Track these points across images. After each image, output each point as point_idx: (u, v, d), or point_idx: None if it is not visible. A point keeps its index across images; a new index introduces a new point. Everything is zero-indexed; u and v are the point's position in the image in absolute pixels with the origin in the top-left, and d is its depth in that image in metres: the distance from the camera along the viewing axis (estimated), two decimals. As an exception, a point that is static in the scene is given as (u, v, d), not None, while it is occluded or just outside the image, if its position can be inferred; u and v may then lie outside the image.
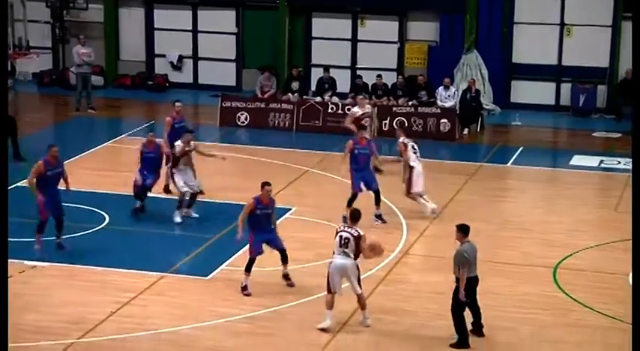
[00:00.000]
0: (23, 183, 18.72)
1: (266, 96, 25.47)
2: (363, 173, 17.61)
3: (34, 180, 15.58)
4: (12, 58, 19.58)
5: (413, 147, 18.15)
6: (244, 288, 14.52)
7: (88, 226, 17.04)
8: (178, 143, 17.36)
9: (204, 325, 13.61)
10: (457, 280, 12.85)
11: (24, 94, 27.28)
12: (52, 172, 15.64)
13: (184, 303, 14.29)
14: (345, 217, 16.59)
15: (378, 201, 17.58)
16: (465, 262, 12.72)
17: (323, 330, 13.39)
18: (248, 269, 14.56)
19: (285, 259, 14.81)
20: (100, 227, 16.95)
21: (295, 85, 25.72)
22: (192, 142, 17.55)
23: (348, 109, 24.26)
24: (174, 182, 17.52)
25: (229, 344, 13.10)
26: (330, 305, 13.43)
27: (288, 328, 13.56)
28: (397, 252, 16.42)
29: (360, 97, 21.48)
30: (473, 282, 12.90)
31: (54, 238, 16.03)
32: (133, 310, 14.02)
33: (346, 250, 13.32)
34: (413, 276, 15.51)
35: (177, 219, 17.27)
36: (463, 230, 12.97)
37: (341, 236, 13.39)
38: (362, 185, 17.55)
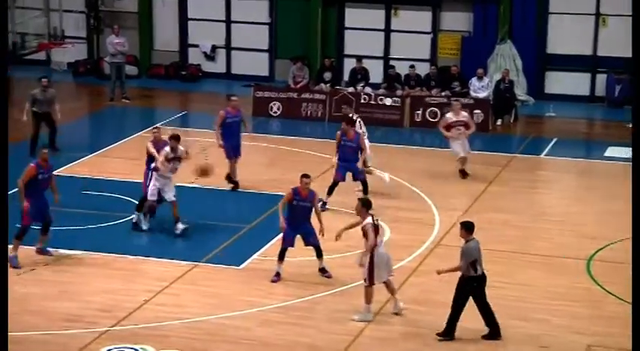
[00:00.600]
0: (59, 172, 18.91)
1: (298, 86, 25.49)
2: (348, 164, 17.71)
3: (25, 184, 14.92)
4: (47, 48, 19.69)
5: (359, 122, 18.55)
6: (276, 275, 14.59)
7: (122, 214, 17.15)
8: (166, 149, 16.30)
9: (236, 314, 13.68)
10: (464, 277, 12.78)
11: (59, 83, 27.44)
12: (42, 175, 15.04)
13: (217, 292, 14.37)
14: (324, 203, 17.03)
15: (365, 191, 17.62)
16: (474, 258, 12.64)
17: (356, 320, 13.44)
18: (280, 257, 14.62)
19: (319, 254, 14.83)
20: (130, 217, 17.05)
21: (328, 75, 25.70)
22: (180, 148, 16.42)
23: (381, 100, 24.30)
24: (147, 185, 16.45)
25: (261, 333, 13.15)
26: (372, 298, 13.44)
27: (320, 318, 13.59)
28: (429, 243, 16.39)
29: (455, 102, 20.61)
30: (482, 280, 12.83)
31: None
32: (165, 298, 14.11)
33: (382, 239, 13.76)
34: (444, 267, 15.43)
35: (144, 226, 16.50)
36: (468, 227, 12.86)
37: (378, 226, 13.48)
38: (345, 175, 17.75)
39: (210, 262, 15.45)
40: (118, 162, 19.72)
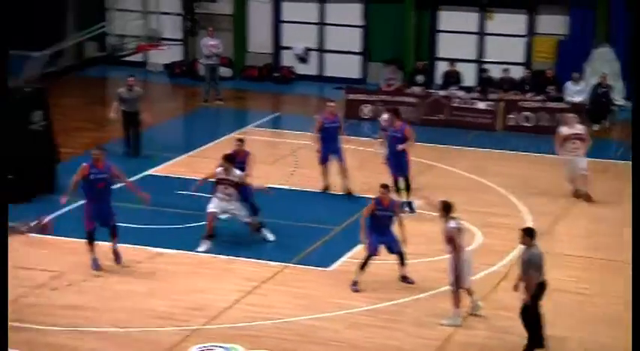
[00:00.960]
0: (154, 171, 19.22)
1: (391, 89, 25.42)
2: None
3: (76, 182, 14.80)
4: (144, 50, 20.03)
5: None
6: (354, 283, 14.52)
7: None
8: (217, 170, 15.91)
9: (325, 316, 13.70)
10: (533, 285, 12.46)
11: (155, 84, 27.98)
12: (95, 176, 14.66)
13: (306, 293, 14.42)
14: (410, 204, 17.48)
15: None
16: (539, 265, 12.35)
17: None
18: (362, 267, 14.55)
19: (402, 262, 14.76)
20: (225, 216, 17.22)
21: (420, 78, 25.59)
22: (236, 172, 15.77)
23: (473, 103, 24.07)
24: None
25: (349, 336, 13.15)
26: (460, 303, 13.42)
27: (408, 321, 13.53)
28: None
29: (570, 115, 19.32)
30: (544, 286, 12.51)
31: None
32: (255, 298, 14.22)
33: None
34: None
35: (201, 248, 15.82)
36: (530, 234, 12.56)
37: (462, 230, 13.52)
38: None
39: (300, 263, 15.51)
40: (211, 162, 19.91)
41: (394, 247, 14.67)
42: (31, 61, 18.30)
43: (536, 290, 12.41)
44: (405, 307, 13.99)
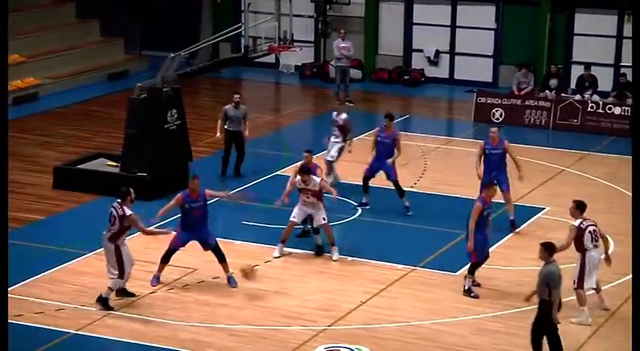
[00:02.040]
0: (284, 172, 19.44)
1: (522, 93, 25.03)
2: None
3: (167, 210, 14.60)
4: (277, 51, 20.26)
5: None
6: (468, 291, 14.32)
7: (341, 216, 17.42)
8: (296, 178, 15.75)
9: (451, 320, 13.61)
10: (542, 302, 11.95)
11: (286, 85, 28.32)
12: (190, 205, 14.42)
13: (432, 297, 14.34)
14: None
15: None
16: (557, 282, 11.88)
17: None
18: (471, 272, 14.36)
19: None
20: (352, 218, 17.30)
21: (553, 82, 25.10)
22: (314, 180, 15.55)
23: (609, 109, 23.46)
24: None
25: (476, 341, 13.02)
26: (585, 301, 13.32)
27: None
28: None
29: None
30: (554, 307, 11.95)
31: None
32: (382, 301, 14.23)
33: (596, 244, 13.59)
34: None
35: (276, 253, 15.86)
36: (549, 249, 12.05)
37: (590, 231, 13.43)
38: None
39: (427, 267, 15.43)
40: (341, 164, 20.05)
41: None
42: (167, 62, 18.75)
43: (547, 307, 11.91)
44: (532, 313, 13.73)
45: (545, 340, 12.12)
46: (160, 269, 14.71)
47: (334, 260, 15.60)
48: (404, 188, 17.94)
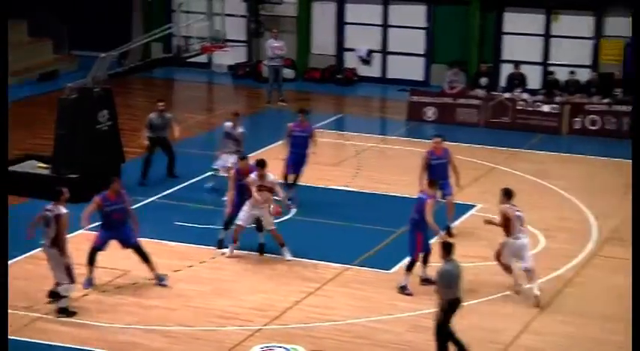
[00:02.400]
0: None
1: (454, 91, 25.29)
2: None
3: (89, 215, 14.37)
4: (209, 51, 20.15)
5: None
6: (403, 288, 14.44)
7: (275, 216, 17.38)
8: (252, 177, 15.55)
9: (386, 318, 13.68)
10: (443, 300, 12.17)
11: (219, 85, 28.20)
12: (109, 207, 14.33)
13: (367, 295, 14.41)
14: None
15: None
16: (449, 282, 12.08)
17: None
18: (410, 269, 14.52)
19: (426, 261, 14.70)
20: (286, 217, 17.30)
21: (484, 80, 25.40)
22: (270, 177, 15.58)
23: (538, 106, 23.82)
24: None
25: (410, 338, 13.11)
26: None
27: (471, 325, 13.43)
28: (586, 253, 15.97)
29: None
30: (454, 304, 12.15)
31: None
32: (317, 300, 14.26)
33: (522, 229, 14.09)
34: (602, 278, 15.04)
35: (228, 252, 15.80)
36: (445, 248, 12.27)
37: (518, 216, 13.95)
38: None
39: (362, 265, 15.50)
40: (275, 163, 20.02)
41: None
42: (98, 62, 18.54)
43: (445, 306, 12.06)
44: (468, 311, 13.88)
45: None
46: (90, 272, 14.53)
47: (288, 260, 15.50)
48: (337, 188, 18.00)
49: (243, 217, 15.54)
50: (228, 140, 18.28)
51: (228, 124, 18.38)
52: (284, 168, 18.02)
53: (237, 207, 15.71)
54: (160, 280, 14.63)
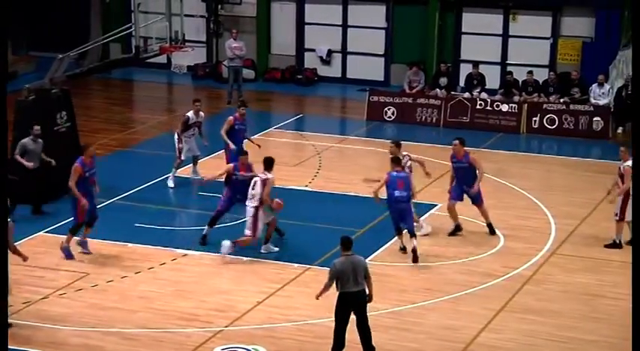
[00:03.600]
0: (177, 173, 19.29)
1: (414, 91, 25.39)
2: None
3: (74, 182, 15.13)
4: (168, 52, 20.05)
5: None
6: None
7: (238, 217, 17.34)
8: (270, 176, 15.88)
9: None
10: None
11: (178, 86, 28.07)
12: (89, 172, 15.33)
13: (328, 295, 14.35)
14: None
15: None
16: (332, 275, 12.22)
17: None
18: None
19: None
20: (247, 218, 17.23)
21: (443, 80, 25.53)
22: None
23: (497, 106, 23.99)
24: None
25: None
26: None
27: (431, 324, 13.50)
28: (545, 252, 16.10)
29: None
30: (345, 297, 12.25)
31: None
32: (278, 300, 14.24)
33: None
34: (560, 276, 15.18)
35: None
36: (342, 242, 12.38)
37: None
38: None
39: (323, 265, 15.50)
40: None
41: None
42: (56, 63, 18.38)
43: (338, 298, 12.25)
44: (428, 309, 13.97)
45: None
46: (69, 240, 15.38)
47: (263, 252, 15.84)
48: (297, 188, 17.99)
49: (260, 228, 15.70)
50: (193, 128, 19.01)
51: (190, 113, 19.04)
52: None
53: (228, 202, 16.05)
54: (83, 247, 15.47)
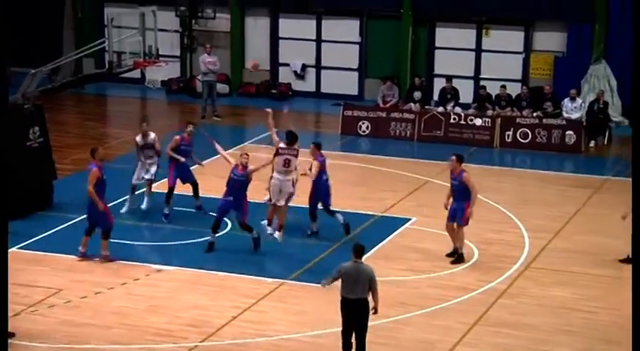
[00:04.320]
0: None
1: (388, 105, 25.47)
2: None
3: (93, 186, 15.62)
4: (142, 66, 19.98)
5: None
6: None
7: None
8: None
9: (323, 332, 13.65)
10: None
11: (152, 101, 28.01)
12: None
13: (303, 310, 14.39)
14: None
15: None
16: (335, 275, 12.43)
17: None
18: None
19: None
20: (222, 233, 17.20)
21: (417, 94, 25.63)
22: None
23: (471, 120, 24.11)
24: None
25: (347, 353, 13.09)
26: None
27: (407, 338, 13.49)
28: (518, 265, 16.15)
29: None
30: (343, 302, 12.37)
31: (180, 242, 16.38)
32: (253, 315, 14.19)
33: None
34: (535, 290, 15.23)
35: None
36: (354, 249, 12.42)
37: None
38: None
39: (298, 279, 15.48)
40: (208, 179, 19.93)
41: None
42: (28, 78, 18.29)
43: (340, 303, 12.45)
44: (404, 324, 13.97)
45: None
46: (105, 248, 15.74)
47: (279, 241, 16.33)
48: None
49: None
50: (148, 150, 18.31)
51: (138, 137, 18.33)
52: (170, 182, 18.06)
53: (225, 207, 16.33)
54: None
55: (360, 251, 12.40)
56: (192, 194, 18.25)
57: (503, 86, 25.18)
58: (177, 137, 18.31)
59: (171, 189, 17.94)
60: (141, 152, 18.31)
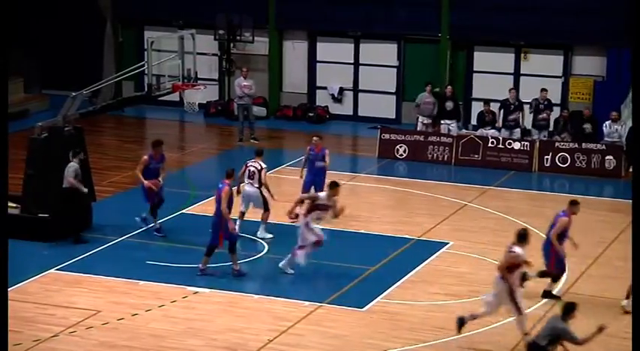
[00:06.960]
0: (188, 210, 19.34)
1: (426, 115, 25.36)
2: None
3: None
4: (180, 90, 20.15)
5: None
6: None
7: (248, 253, 17.36)
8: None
9: (359, 356, 13.62)
10: None
11: (190, 123, 28.19)
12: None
13: (339, 333, 14.35)
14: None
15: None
16: None
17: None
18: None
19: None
20: (259, 255, 17.24)
21: (449, 104, 25.30)
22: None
23: (509, 144, 23.98)
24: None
25: (383, 377, 13.05)
26: None
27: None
28: (557, 290, 16.00)
29: None
30: None
31: (225, 263, 16.42)
32: (289, 338, 14.18)
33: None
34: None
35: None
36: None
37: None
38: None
39: (334, 303, 15.46)
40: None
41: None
42: (69, 101, 18.50)
43: None
44: (440, 348, 13.87)
45: None
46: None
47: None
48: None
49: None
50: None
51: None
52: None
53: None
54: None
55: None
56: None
57: (544, 89, 24.81)
58: (146, 157, 18.30)
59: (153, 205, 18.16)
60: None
